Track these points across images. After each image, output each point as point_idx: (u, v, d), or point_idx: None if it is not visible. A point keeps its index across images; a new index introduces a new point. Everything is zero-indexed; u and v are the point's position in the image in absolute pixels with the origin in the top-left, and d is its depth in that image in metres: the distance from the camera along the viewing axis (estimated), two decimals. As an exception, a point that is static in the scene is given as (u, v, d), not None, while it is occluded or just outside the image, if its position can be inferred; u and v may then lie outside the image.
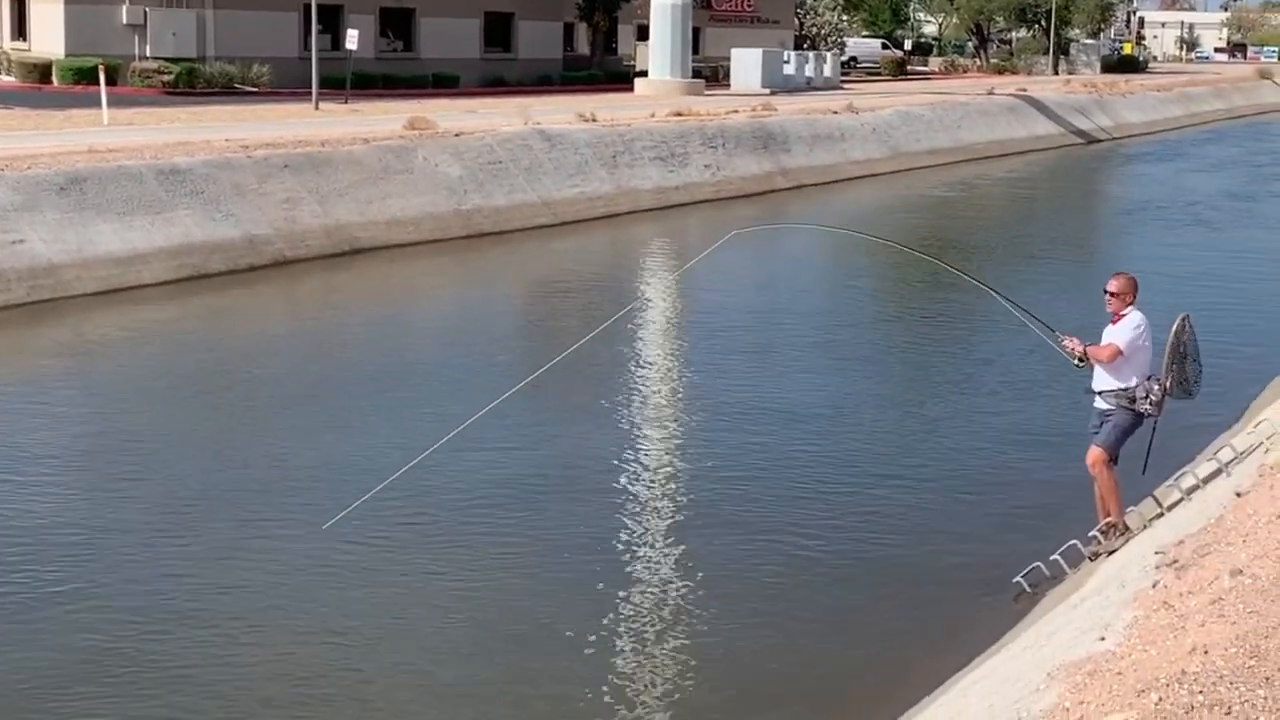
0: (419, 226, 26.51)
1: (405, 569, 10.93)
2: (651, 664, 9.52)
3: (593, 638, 9.79)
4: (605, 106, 37.50)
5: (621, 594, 10.58)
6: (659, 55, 52.09)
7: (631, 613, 10.28)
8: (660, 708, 8.91)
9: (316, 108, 36.83)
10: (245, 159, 25.09)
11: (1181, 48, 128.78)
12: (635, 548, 11.57)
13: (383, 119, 32.09)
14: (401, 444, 13.07)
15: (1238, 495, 8.81)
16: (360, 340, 19.34)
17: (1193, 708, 5.16)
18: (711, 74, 57.62)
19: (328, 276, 23.86)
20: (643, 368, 17.54)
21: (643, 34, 58.85)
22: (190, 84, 42.60)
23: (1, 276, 19.84)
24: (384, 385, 16.36)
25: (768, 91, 50.78)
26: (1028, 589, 10.43)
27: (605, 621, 10.05)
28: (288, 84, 43.52)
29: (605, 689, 9.07)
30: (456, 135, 29.50)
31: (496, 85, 51.60)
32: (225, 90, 42.93)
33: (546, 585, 10.77)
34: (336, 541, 11.10)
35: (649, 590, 10.73)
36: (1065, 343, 10.97)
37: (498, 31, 55.68)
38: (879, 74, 75.49)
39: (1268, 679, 5.30)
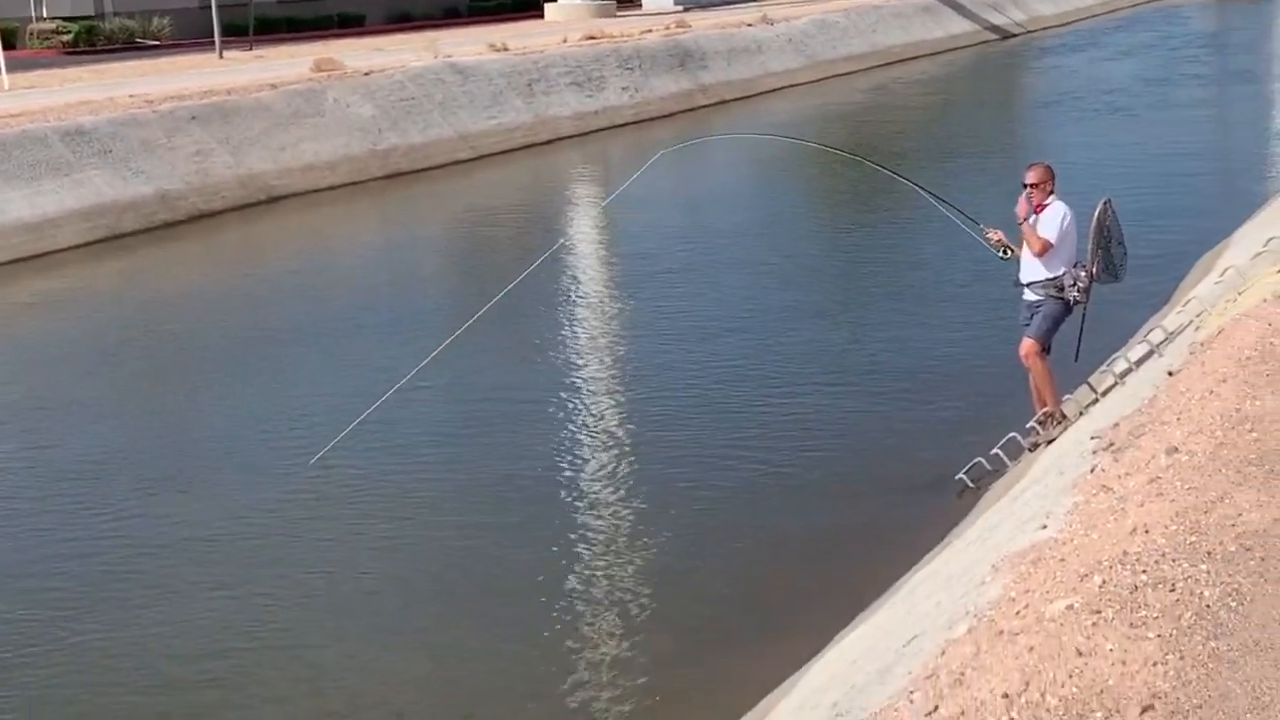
0: (335, 170, 26.09)
1: (367, 510, 10.83)
2: (600, 585, 9.46)
3: (537, 560, 9.77)
4: (516, 35, 37.02)
5: (567, 518, 10.52)
6: (568, -21, 51.42)
7: (577, 536, 10.21)
8: (610, 629, 8.86)
9: (220, 57, 36.09)
10: (151, 114, 24.55)
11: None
12: (580, 474, 11.49)
13: (289, 63, 31.54)
14: (351, 394, 12.90)
15: (1170, 375, 8.80)
16: (287, 291, 18.98)
17: (1136, 587, 5.13)
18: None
19: (245, 228, 23.44)
20: (578, 298, 17.36)
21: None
22: (90, 42, 41.67)
23: (-91, 252, 19.38)
24: (317, 335, 16.09)
25: (680, 9, 50.30)
26: (970, 484, 10.45)
27: (553, 547, 10.00)
28: (190, 35, 42.67)
29: (554, 611, 9.03)
30: (366, 74, 29.00)
31: (403, 21, 50.74)
32: (126, 46, 42.01)
33: (494, 518, 10.69)
34: (288, 494, 10.95)
35: (595, 513, 10.67)
36: (990, 235, 10.93)
37: (402, -34, 54.65)
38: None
39: (1209, 553, 5.28)
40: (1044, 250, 10.52)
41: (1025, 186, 10.73)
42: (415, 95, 29.07)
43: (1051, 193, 10.68)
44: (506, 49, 33.24)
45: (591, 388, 13.73)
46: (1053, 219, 10.57)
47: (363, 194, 25.98)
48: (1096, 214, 10.66)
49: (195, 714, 8.14)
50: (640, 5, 54.65)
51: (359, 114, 27.62)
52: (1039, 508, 7.60)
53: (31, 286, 19.55)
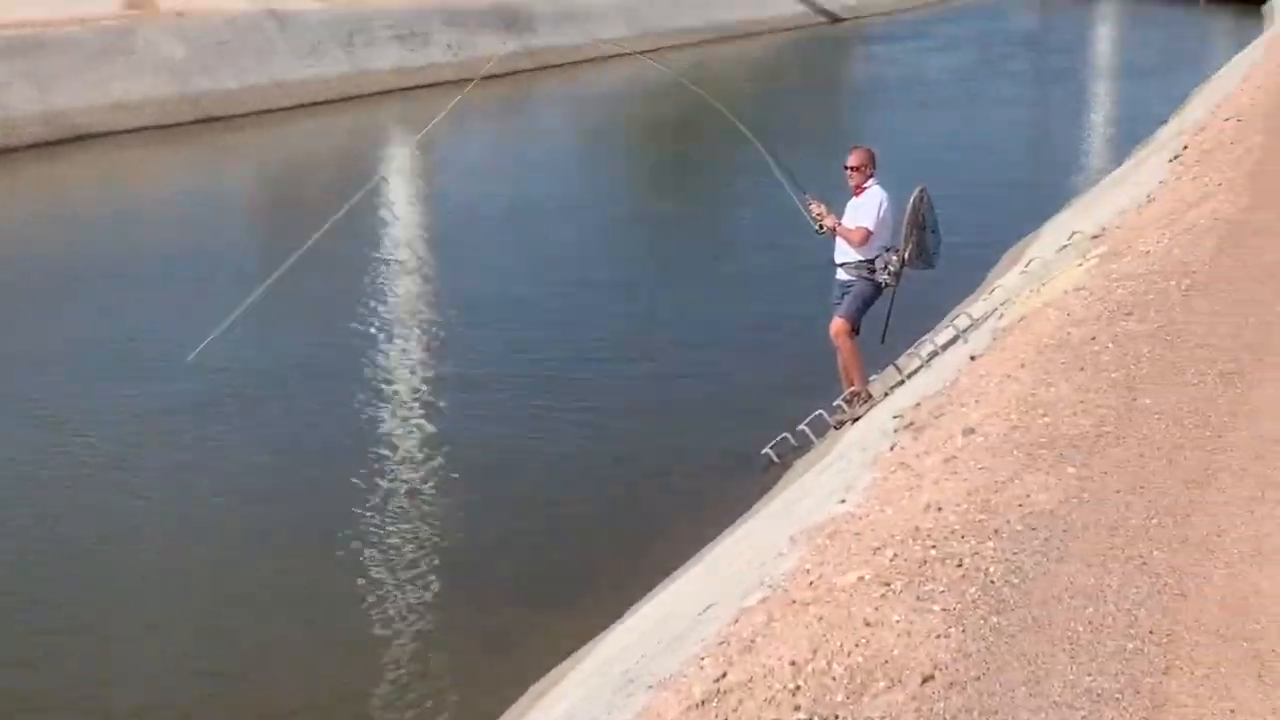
0: (143, 111, 25.21)
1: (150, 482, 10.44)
2: (400, 563, 9.28)
3: (325, 535, 9.57)
4: (342, -15, 36.11)
5: (372, 492, 10.30)
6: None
7: (379, 513, 10.01)
8: (402, 599, 8.71)
9: (30, -13, 34.56)
10: (-52, 42, 23.44)
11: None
12: (379, 444, 11.26)
13: (101, -1, 30.32)
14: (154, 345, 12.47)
15: (972, 359, 8.96)
16: (90, 238, 18.29)
17: (925, 562, 5.18)
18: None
19: (49, 168, 22.55)
20: (381, 260, 17.04)
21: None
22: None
23: None
24: (121, 284, 15.52)
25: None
26: (776, 460, 10.51)
27: (357, 521, 9.80)
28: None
29: (343, 584, 8.88)
30: (179, 15, 28.04)
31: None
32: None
33: (283, 492, 10.48)
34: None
35: (391, 484, 10.47)
36: (812, 206, 10.93)
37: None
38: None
39: (996, 531, 5.36)
40: (864, 239, 10.61)
41: (846, 169, 10.82)
42: (230, 40, 28.22)
43: (871, 176, 10.79)
44: (330, -2, 32.54)
45: (392, 356, 13.46)
46: (870, 205, 10.68)
47: (172, 138, 25.19)
48: (912, 200, 10.78)
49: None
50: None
51: (170, 55, 26.74)
52: (840, 483, 7.67)
53: None
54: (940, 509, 5.73)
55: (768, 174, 11.28)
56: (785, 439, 10.65)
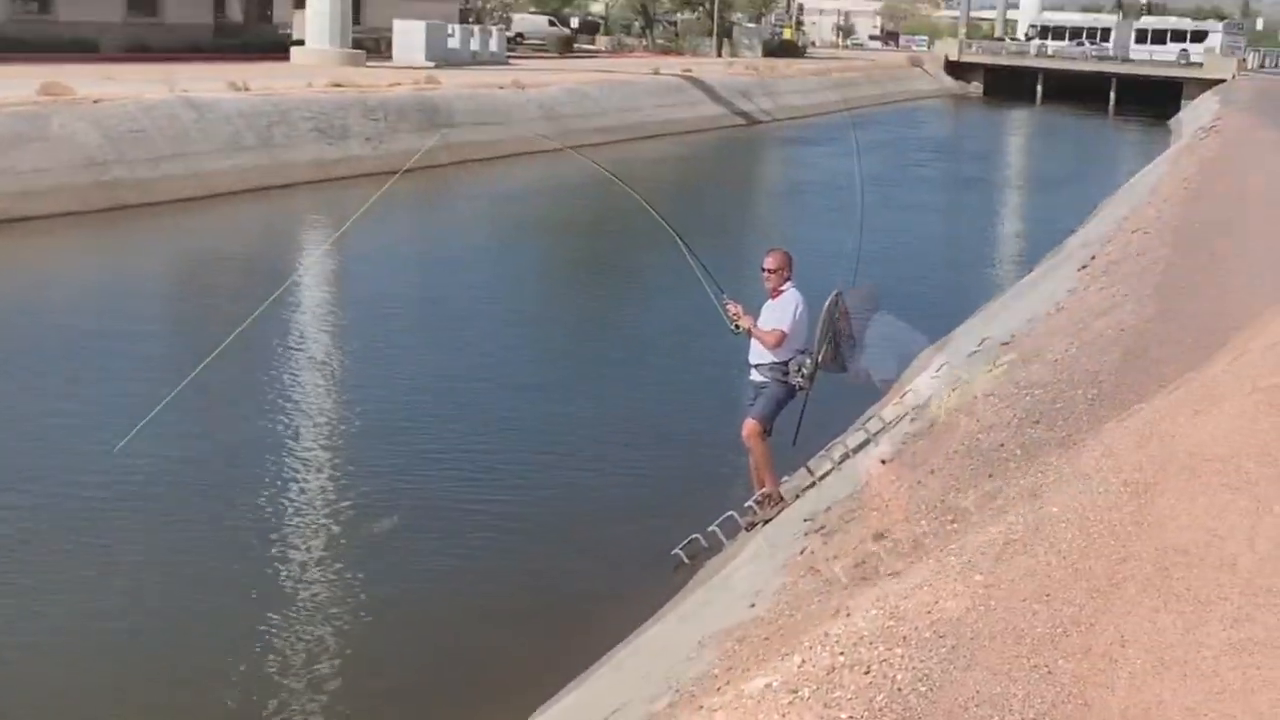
0: (55, 198, 24.91)
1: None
2: (295, 653, 9.11)
3: (233, 626, 9.40)
4: (259, 76, 36.15)
5: (272, 583, 10.13)
6: (318, 24, 50.64)
7: (280, 605, 9.84)
8: (302, 699, 8.52)
9: (-56, 70, 34.24)
10: None
11: (838, 34, 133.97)
12: (290, 537, 11.09)
13: (17, 84, 30.05)
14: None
15: (882, 463, 9.02)
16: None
17: (833, 668, 5.15)
18: (374, 45, 56.26)
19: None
20: (300, 349, 16.89)
21: (301, 0, 57.06)
22: None
23: None
24: (28, 374, 15.23)
25: (432, 65, 50.14)
26: (686, 560, 10.45)
27: (254, 616, 9.61)
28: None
29: (246, 681, 8.66)
30: (96, 102, 27.85)
31: (141, 52, 48.97)
32: None
33: (198, 580, 10.25)
34: None
35: (298, 579, 10.30)
36: (729, 306, 10.97)
37: (142, -7, 52.89)
38: (546, 51, 75.65)
39: (904, 638, 5.35)
40: (780, 341, 10.63)
41: (764, 271, 10.84)
42: (146, 128, 28.06)
43: (788, 279, 10.85)
44: (248, 89, 32.45)
45: (302, 447, 13.28)
46: (786, 308, 10.71)
47: (84, 224, 24.86)
48: (826, 305, 10.84)
49: None
50: (391, 57, 54.20)
51: (85, 142, 26.49)
52: (750, 586, 7.64)
53: None
54: (849, 614, 5.72)
55: (685, 272, 11.31)
56: (696, 539, 10.60)
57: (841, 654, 5.28)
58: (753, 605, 6.72)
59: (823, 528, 7.88)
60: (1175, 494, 6.38)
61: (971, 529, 6.52)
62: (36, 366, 15.53)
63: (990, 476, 7.28)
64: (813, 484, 10.85)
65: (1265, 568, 5.30)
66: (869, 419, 12.10)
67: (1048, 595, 5.64)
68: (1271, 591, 5.17)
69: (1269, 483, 5.88)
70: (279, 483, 12.18)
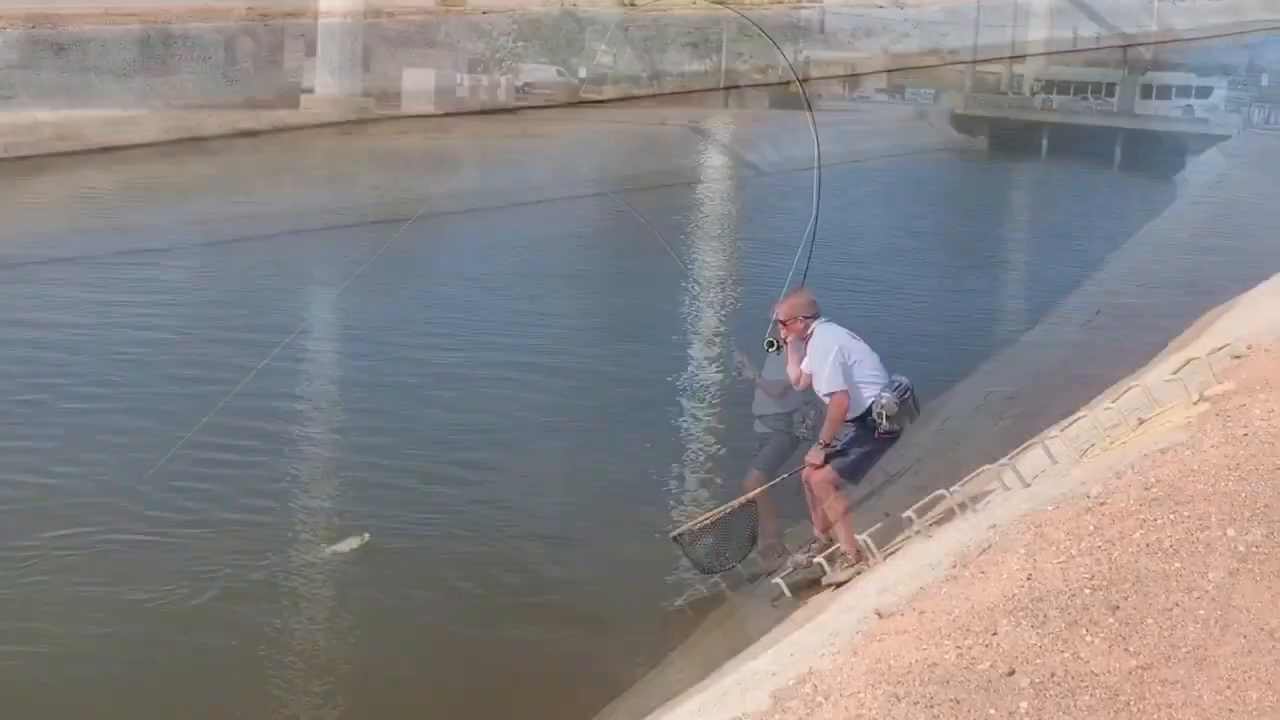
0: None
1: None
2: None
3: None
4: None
5: (225, 651, 10.11)
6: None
7: (272, 654, 9.80)
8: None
9: None
10: None
11: (845, 88, 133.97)
12: (262, 585, 11.05)
13: None
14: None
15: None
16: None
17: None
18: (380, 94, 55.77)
19: None
20: (296, 409, 16.79)
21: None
22: None
23: None
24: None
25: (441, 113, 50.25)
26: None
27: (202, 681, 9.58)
28: None
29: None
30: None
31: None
32: None
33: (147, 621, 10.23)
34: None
35: (296, 633, 10.29)
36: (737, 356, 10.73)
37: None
38: (554, 100, 75.52)
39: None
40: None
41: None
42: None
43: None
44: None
45: (294, 505, 13.26)
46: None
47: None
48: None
49: None
50: (400, 107, 54.01)
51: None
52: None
53: None
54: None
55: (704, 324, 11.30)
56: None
57: None
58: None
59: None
60: None
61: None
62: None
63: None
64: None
65: None
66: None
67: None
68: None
69: None
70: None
